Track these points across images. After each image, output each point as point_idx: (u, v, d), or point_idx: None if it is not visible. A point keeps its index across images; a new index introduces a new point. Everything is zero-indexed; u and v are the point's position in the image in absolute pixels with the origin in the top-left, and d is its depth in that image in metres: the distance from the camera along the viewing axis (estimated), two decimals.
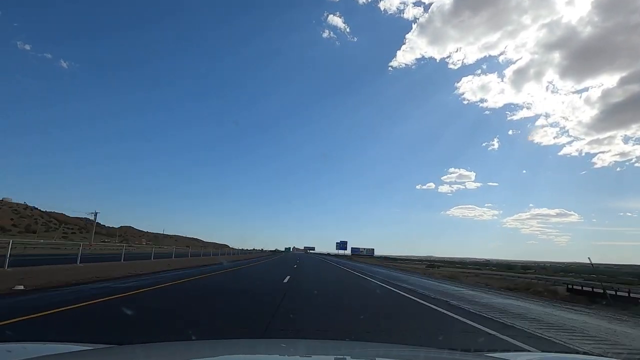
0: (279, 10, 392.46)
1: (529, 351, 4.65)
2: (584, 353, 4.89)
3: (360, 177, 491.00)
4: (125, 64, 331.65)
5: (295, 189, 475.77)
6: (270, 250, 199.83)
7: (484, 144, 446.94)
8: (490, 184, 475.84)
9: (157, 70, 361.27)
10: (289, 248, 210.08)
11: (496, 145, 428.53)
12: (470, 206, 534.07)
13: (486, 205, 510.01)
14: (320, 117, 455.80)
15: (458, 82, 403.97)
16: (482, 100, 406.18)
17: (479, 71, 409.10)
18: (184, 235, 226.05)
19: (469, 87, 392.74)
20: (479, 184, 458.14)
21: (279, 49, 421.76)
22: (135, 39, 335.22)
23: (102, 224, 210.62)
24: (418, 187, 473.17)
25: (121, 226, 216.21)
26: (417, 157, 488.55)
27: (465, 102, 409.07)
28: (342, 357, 1.75)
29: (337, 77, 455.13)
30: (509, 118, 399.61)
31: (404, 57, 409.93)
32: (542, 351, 4.71)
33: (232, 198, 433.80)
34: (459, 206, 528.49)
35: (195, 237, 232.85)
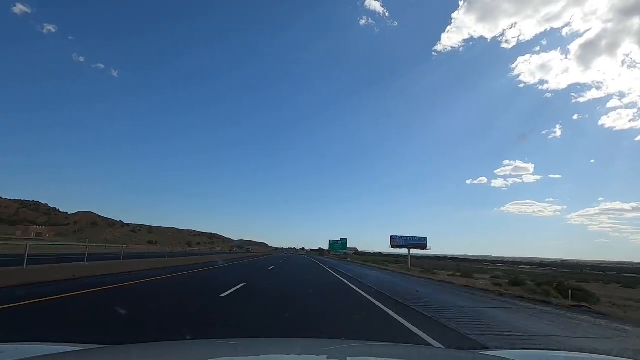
0: (311, 1, 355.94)
1: (526, 349, 4.60)
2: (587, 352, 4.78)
3: (401, 172, 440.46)
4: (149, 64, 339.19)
5: (332, 188, 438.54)
6: (312, 249, 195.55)
7: (544, 132, 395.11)
8: (552, 176, 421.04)
9: (190, 69, 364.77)
10: (342, 241, 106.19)
11: (559, 133, 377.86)
12: (528, 201, 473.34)
13: (547, 200, 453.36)
14: (359, 110, 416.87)
15: (513, 62, 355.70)
16: (541, 82, 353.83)
17: (537, 48, 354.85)
18: (202, 231, 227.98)
19: (525, 68, 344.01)
20: (538, 177, 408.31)
21: (313, 42, 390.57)
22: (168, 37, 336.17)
23: (59, 209, 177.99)
24: (468, 182, 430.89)
25: (78, 212, 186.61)
26: (466, 149, 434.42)
27: (522, 85, 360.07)
28: (339, 356, 1.74)
29: (378, 66, 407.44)
30: (574, 101, 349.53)
31: (449, 39, 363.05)
32: (541, 349, 4.66)
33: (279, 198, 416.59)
34: (516, 202, 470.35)
35: (215, 233, 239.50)
